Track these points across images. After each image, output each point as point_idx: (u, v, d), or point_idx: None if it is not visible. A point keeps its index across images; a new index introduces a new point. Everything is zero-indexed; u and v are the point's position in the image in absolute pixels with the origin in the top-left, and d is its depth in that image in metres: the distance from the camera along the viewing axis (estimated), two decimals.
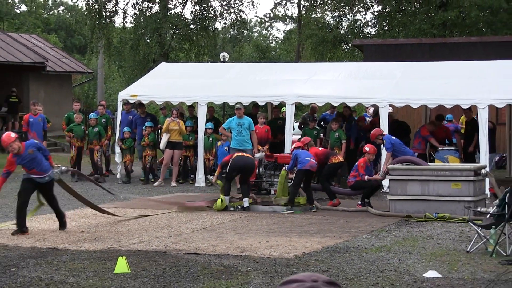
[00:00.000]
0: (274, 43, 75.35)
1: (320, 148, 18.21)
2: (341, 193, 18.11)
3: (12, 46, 34.97)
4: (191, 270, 10.21)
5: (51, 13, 73.61)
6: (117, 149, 22.27)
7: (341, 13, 41.26)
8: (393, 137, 17.65)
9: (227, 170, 16.54)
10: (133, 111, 23.39)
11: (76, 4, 58.59)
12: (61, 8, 76.89)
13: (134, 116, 23.00)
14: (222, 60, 36.80)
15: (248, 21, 46.87)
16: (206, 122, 21.94)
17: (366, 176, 16.76)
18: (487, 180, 16.60)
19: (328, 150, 18.72)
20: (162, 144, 21.77)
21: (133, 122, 22.71)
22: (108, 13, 37.30)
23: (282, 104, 22.41)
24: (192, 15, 38.17)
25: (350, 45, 39.93)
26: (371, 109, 24.38)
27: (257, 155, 18.77)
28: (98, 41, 37.38)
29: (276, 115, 23.63)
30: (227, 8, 38.28)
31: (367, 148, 17.17)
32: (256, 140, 20.35)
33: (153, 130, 22.46)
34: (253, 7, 52.48)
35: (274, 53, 63.12)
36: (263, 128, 21.04)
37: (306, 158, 16.49)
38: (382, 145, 17.93)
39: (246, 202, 16.42)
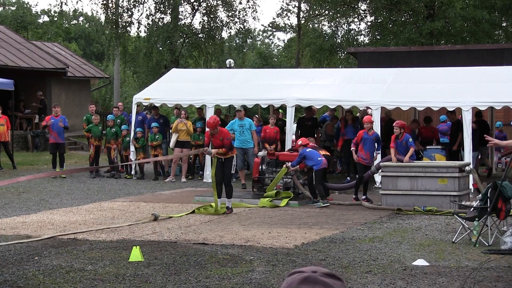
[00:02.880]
0: (275, 50, 75.26)
1: (310, 144, 17.88)
2: (335, 189, 18.11)
3: (35, 53, 34.98)
4: (199, 259, 10.18)
5: (72, 23, 73.61)
6: (132, 148, 22.25)
7: (337, 23, 41.22)
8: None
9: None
10: (142, 112, 23.37)
11: (95, 15, 58.75)
12: (81, 18, 76.90)
13: (143, 116, 22.99)
14: (228, 66, 36.72)
15: (252, 29, 46.84)
16: None
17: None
18: (471, 176, 16.58)
19: (314, 145, 18.07)
20: (171, 143, 21.79)
21: (148, 123, 22.67)
22: (124, 24, 37.30)
23: (283, 107, 22.37)
24: (201, 25, 38.15)
25: (345, 52, 39.87)
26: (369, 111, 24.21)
27: (260, 153, 18.74)
28: (115, 49, 37.37)
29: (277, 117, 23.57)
30: (232, 18, 38.26)
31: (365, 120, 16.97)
32: (256, 139, 20.32)
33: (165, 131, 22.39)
34: (255, 19, 52.42)
35: (275, 60, 63.07)
36: (273, 128, 20.87)
37: (319, 159, 16.34)
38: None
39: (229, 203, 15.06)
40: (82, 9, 78.90)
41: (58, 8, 40.58)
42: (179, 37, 36.92)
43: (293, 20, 59.97)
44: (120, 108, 24.27)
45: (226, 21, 38.28)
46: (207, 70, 31.66)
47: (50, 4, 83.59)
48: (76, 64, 38.20)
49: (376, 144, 16.83)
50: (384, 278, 9.18)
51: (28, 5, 64.73)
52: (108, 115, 23.46)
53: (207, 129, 15.26)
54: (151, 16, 37.34)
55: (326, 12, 41.90)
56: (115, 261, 10.05)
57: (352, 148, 16.92)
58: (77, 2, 36.48)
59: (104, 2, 36.67)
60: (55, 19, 60.83)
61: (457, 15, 34.73)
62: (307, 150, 16.46)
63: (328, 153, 18.17)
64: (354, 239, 11.95)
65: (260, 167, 17.92)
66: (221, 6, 38.15)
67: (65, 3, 39.15)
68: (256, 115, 25.31)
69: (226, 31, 39.36)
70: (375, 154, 16.83)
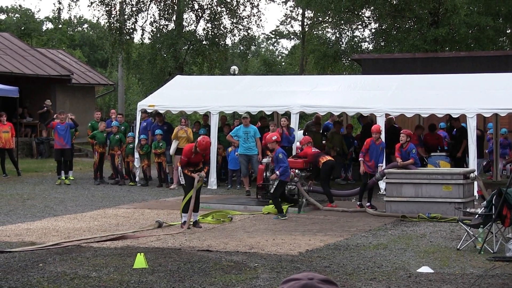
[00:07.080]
0: (280, 57, 75.33)
1: (313, 149, 17.84)
2: (339, 195, 18.10)
3: (40, 60, 35.06)
4: (203, 266, 10.19)
5: (76, 30, 73.77)
6: (136, 155, 22.21)
7: (341, 30, 41.25)
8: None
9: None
10: (148, 119, 23.27)
11: (99, 22, 58.55)
12: (85, 25, 77.08)
13: (148, 123, 22.90)
14: (232, 73, 36.77)
15: (257, 36, 46.79)
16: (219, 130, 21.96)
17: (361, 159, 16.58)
18: (475, 183, 16.56)
19: (317, 151, 17.97)
20: (172, 150, 21.67)
21: (151, 130, 22.61)
22: (127, 30, 37.37)
23: (287, 114, 22.32)
24: (205, 32, 38.20)
25: (349, 59, 39.87)
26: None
27: (264, 160, 18.73)
28: (118, 55, 37.42)
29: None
30: (236, 25, 38.28)
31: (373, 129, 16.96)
32: (260, 146, 20.28)
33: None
34: (259, 26, 52.42)
35: (280, 66, 63.15)
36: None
37: (289, 169, 16.28)
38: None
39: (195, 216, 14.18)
40: (81, 15, 78.37)
41: (56, 14, 40.51)
42: (183, 44, 36.97)
43: (297, 27, 59.92)
44: (120, 120, 23.99)
45: (230, 28, 38.34)
46: (211, 77, 31.67)
47: (52, 10, 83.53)
48: (81, 71, 38.30)
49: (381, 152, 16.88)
50: (389, 285, 9.17)
51: (31, 12, 64.86)
52: (113, 122, 23.39)
53: (187, 148, 14.21)
54: (155, 23, 37.41)
55: (330, 19, 41.92)
56: (120, 268, 10.05)
57: (360, 159, 16.80)
58: (72, 7, 36.56)
59: (107, 9, 36.74)
60: (60, 26, 60.95)
61: (461, 22, 34.71)
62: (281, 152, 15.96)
63: (332, 158, 18.14)
64: (359, 246, 11.94)
65: (264, 174, 17.91)
66: (225, 13, 38.19)
67: (61, 9, 39.04)
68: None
69: (230, 38, 39.42)
70: (378, 168, 16.71)
